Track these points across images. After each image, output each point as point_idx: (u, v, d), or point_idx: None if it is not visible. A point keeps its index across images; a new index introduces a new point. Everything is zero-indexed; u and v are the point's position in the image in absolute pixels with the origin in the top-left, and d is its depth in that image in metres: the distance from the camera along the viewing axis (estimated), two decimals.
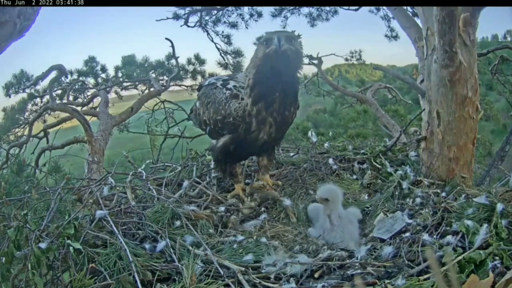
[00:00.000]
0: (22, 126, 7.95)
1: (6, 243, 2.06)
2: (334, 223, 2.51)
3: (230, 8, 8.49)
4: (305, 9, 8.72)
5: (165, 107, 7.72)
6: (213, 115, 2.80)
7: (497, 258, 1.81)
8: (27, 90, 7.66)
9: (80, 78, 8.35)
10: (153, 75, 8.34)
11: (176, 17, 8.16)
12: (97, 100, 7.66)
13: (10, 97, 7.54)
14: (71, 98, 8.12)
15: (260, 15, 8.79)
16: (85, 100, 8.17)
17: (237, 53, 8.84)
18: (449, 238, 2.07)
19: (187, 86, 8.44)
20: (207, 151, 3.61)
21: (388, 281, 1.78)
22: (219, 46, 8.81)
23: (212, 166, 3.40)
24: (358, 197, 3.06)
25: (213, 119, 2.80)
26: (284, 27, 8.83)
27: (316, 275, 1.95)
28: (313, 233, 2.58)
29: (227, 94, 2.74)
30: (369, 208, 2.85)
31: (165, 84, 7.71)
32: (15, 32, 1.87)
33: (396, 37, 8.83)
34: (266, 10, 8.78)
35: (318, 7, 8.54)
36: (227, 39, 8.83)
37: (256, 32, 9.14)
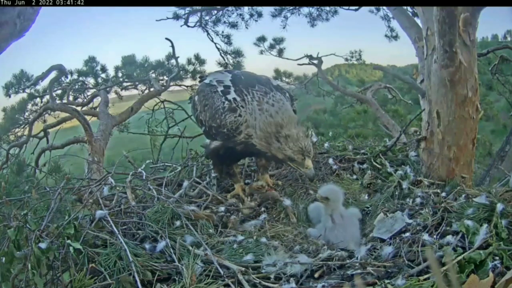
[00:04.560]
0: (22, 126, 7.94)
1: (6, 243, 2.06)
2: (336, 222, 2.51)
3: (230, 8, 8.50)
4: (305, 9, 8.74)
5: (165, 107, 7.72)
6: (209, 120, 2.80)
7: (497, 258, 1.81)
8: (27, 90, 7.66)
9: (80, 78, 8.34)
10: (153, 75, 8.34)
11: (176, 17, 8.18)
12: (97, 100, 7.66)
13: (10, 97, 7.54)
14: (71, 98, 8.12)
15: (260, 15, 8.81)
16: (85, 100, 8.17)
17: (237, 53, 8.85)
18: (449, 238, 2.07)
19: (187, 86, 8.44)
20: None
21: (388, 281, 1.78)
22: (219, 46, 8.84)
23: (211, 166, 3.41)
24: (358, 197, 3.06)
25: (208, 123, 2.81)
26: (284, 27, 8.86)
27: (316, 275, 1.95)
28: (313, 233, 2.58)
29: (225, 105, 2.71)
30: (369, 208, 2.85)
31: (165, 84, 7.72)
32: (15, 32, 1.87)
33: (396, 37, 8.84)
34: (266, 10, 8.80)
35: (318, 7, 8.55)
36: (227, 39, 8.84)
37: (256, 32, 9.16)
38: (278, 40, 9.12)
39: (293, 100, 2.96)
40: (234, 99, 2.71)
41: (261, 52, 9.16)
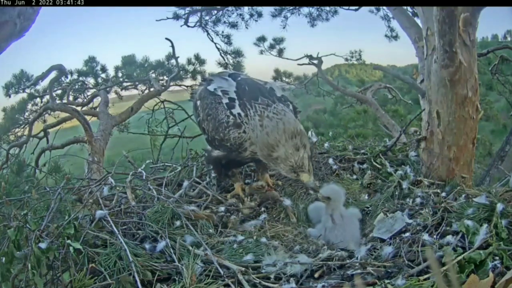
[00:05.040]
0: (22, 126, 7.93)
1: (6, 243, 2.06)
2: (336, 222, 2.51)
3: (230, 8, 8.51)
4: (305, 9, 8.76)
5: (165, 107, 7.72)
6: (212, 131, 2.77)
7: (497, 258, 1.81)
8: (27, 90, 7.66)
9: (80, 78, 8.34)
10: (153, 75, 8.34)
11: (176, 17, 8.19)
12: (97, 100, 7.65)
13: (10, 97, 7.54)
14: (71, 98, 8.11)
15: (260, 15, 8.82)
16: (85, 100, 8.17)
17: (237, 53, 8.86)
18: (449, 238, 2.07)
19: (187, 86, 8.43)
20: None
21: (388, 281, 1.78)
22: (219, 46, 8.85)
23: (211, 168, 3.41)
24: (358, 197, 3.06)
25: (211, 134, 2.79)
26: (284, 27, 8.87)
27: (316, 275, 1.95)
28: (313, 233, 2.59)
29: (230, 119, 2.67)
30: (369, 208, 2.85)
31: (165, 84, 7.71)
32: (15, 32, 1.87)
33: (396, 37, 8.85)
34: (266, 10, 8.82)
35: (318, 7, 8.56)
36: (227, 39, 8.85)
37: (256, 32, 9.16)
38: (278, 40, 9.13)
39: (296, 113, 2.91)
40: (239, 114, 2.67)
41: (261, 52, 9.18)
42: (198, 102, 2.98)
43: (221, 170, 3.10)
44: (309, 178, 2.54)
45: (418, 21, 4.24)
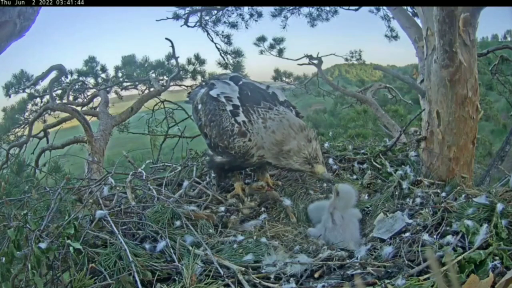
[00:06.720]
0: (22, 126, 7.93)
1: (6, 243, 2.06)
2: (336, 222, 2.51)
3: (230, 8, 8.50)
4: (305, 9, 8.74)
5: (165, 107, 7.72)
6: (216, 138, 2.76)
7: (497, 258, 1.81)
8: (27, 90, 7.65)
9: (80, 78, 8.33)
10: (153, 75, 8.33)
11: (176, 17, 8.18)
12: (97, 100, 7.64)
13: (10, 97, 7.53)
14: (71, 98, 8.10)
15: (260, 15, 8.81)
16: (85, 100, 8.15)
17: (237, 53, 8.85)
18: (449, 238, 2.07)
19: (187, 86, 8.41)
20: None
21: (388, 281, 1.78)
22: (219, 46, 8.83)
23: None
24: (358, 197, 3.06)
25: (214, 141, 2.78)
26: (284, 27, 8.87)
27: (316, 275, 1.95)
28: (313, 233, 2.59)
29: (235, 128, 2.66)
30: (369, 208, 2.85)
31: (165, 84, 7.70)
32: (15, 32, 1.87)
33: (396, 37, 8.84)
34: (266, 10, 8.81)
35: (318, 7, 8.56)
36: (227, 39, 8.84)
37: (256, 32, 9.16)
38: (278, 40, 9.12)
39: (299, 117, 2.88)
40: (244, 122, 2.67)
41: (261, 52, 9.17)
42: (200, 106, 2.97)
43: (222, 174, 3.12)
44: (324, 169, 2.56)
45: (418, 21, 4.24)
